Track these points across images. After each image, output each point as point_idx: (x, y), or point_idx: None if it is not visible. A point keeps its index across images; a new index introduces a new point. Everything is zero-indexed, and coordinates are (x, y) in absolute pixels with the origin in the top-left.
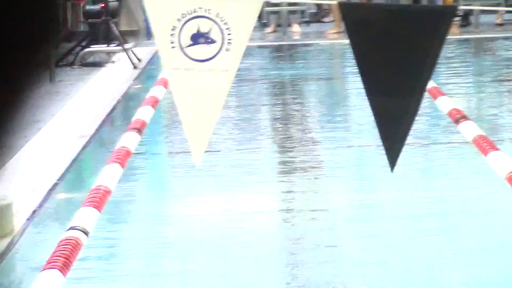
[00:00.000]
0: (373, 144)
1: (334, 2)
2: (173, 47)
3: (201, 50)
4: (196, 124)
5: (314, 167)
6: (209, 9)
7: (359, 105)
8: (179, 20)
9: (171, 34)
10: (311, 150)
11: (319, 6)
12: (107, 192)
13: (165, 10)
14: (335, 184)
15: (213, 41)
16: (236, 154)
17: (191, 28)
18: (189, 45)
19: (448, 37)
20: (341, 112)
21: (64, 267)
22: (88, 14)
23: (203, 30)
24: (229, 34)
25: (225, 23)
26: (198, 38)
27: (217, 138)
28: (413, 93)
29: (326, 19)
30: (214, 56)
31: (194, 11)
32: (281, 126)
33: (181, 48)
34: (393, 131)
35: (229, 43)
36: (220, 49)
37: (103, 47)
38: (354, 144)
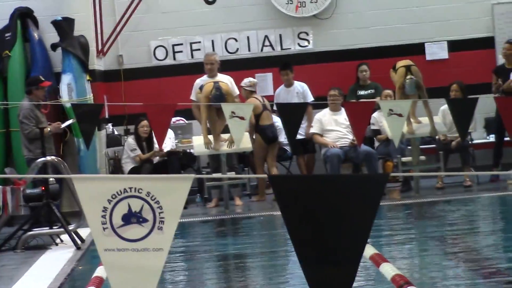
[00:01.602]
0: None
1: (264, 176)
2: (105, 228)
3: (133, 230)
4: None
5: None
6: (139, 189)
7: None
8: (109, 201)
9: (102, 216)
10: None
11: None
12: None
13: (96, 192)
14: None
15: (145, 220)
16: None
17: (123, 208)
18: (121, 226)
19: (389, 202)
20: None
21: None
22: (29, 198)
23: (134, 209)
24: (161, 213)
25: (156, 202)
26: (130, 217)
27: None
28: (349, 261)
29: (268, 191)
30: (146, 235)
31: (125, 191)
32: None
33: (113, 229)
34: None
35: (161, 221)
36: (153, 228)
37: (45, 230)
38: None
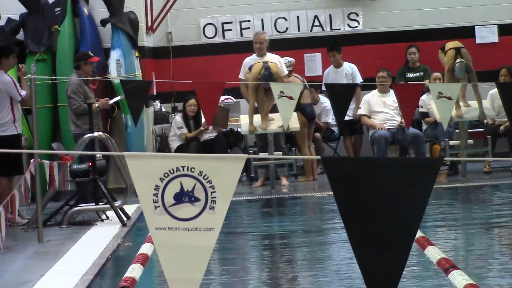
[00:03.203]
0: None
1: (318, 158)
2: (156, 207)
3: (185, 209)
4: (181, 282)
5: None
6: (192, 168)
7: (348, 259)
8: (162, 179)
9: (154, 194)
10: None
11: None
12: None
13: (148, 170)
14: None
15: (197, 200)
16: None
17: (175, 187)
18: (173, 204)
19: (436, 186)
20: (330, 268)
21: None
22: (75, 173)
23: (187, 188)
24: (213, 192)
25: (208, 181)
26: (182, 196)
27: None
28: (400, 246)
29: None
30: (198, 215)
31: (177, 170)
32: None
33: (165, 208)
34: (381, 286)
35: (213, 201)
36: (204, 207)
37: (91, 206)
38: None
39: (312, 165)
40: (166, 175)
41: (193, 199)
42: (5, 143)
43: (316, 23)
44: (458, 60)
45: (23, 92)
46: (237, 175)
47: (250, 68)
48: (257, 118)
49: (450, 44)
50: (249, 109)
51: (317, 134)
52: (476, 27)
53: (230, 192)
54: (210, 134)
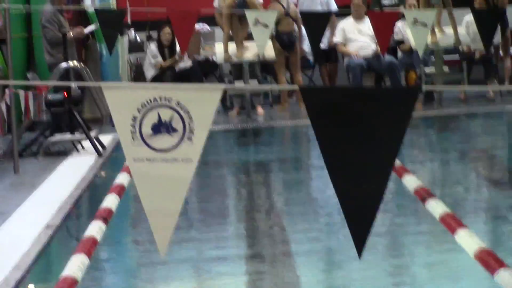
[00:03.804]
0: (341, 227)
1: (296, 88)
2: (134, 138)
3: (163, 140)
4: (160, 214)
5: (283, 255)
6: (169, 98)
7: (325, 188)
8: (139, 110)
9: (132, 125)
10: (278, 237)
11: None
12: (74, 282)
13: (125, 101)
14: (304, 270)
15: (174, 130)
16: (203, 243)
17: (152, 118)
18: (151, 135)
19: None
20: (307, 197)
21: None
22: (51, 103)
23: (164, 119)
24: (190, 123)
25: (186, 112)
26: (159, 127)
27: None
28: (378, 176)
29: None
30: (176, 146)
31: (155, 100)
32: (247, 212)
33: (142, 139)
34: (359, 216)
35: (191, 131)
36: (182, 138)
37: (66, 136)
38: (323, 230)
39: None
40: (143, 105)
41: (170, 129)
42: None
43: None
44: None
45: None
46: (214, 105)
47: None
48: (232, 46)
49: None
50: (223, 37)
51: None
52: None
53: (208, 122)
54: (185, 64)
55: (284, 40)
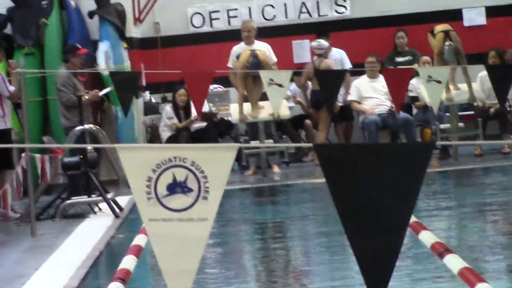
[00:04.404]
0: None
1: (310, 145)
2: (149, 198)
3: (178, 200)
4: (176, 273)
5: None
6: (184, 158)
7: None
8: (154, 170)
9: (147, 185)
10: None
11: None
12: None
13: (140, 161)
14: None
15: (190, 190)
16: None
17: (167, 178)
18: (166, 195)
19: (428, 169)
20: (325, 255)
21: None
22: (67, 166)
23: (179, 179)
24: (205, 182)
25: (201, 171)
26: (175, 187)
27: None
28: (394, 231)
29: (305, 159)
30: (191, 205)
31: (169, 161)
32: (265, 269)
33: (158, 199)
34: (376, 272)
35: (206, 191)
36: (197, 197)
37: (83, 199)
38: (340, 283)
39: None
40: (158, 166)
41: (186, 189)
42: None
43: (304, 9)
44: (447, 43)
45: (12, 88)
46: (229, 164)
47: (238, 57)
48: (247, 106)
49: (439, 27)
50: (238, 97)
51: (308, 121)
52: (463, 10)
53: (223, 181)
54: (200, 124)
55: (315, 98)
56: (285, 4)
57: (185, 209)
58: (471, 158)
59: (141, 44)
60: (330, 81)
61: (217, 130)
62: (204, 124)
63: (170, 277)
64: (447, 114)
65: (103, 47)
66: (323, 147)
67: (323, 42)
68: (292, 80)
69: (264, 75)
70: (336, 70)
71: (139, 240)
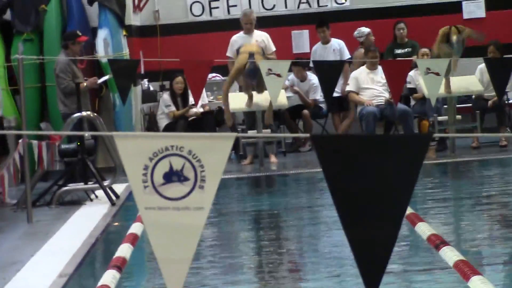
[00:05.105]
0: (353, 274)
1: (307, 135)
2: (145, 187)
3: (175, 189)
4: (171, 262)
5: None
6: (181, 147)
7: (339, 235)
8: (151, 159)
9: (143, 174)
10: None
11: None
12: None
13: (137, 150)
14: None
15: (186, 179)
16: None
17: (164, 166)
18: (162, 184)
19: (424, 161)
20: (320, 244)
21: None
22: (64, 153)
23: (176, 168)
24: (202, 171)
25: (197, 160)
26: (171, 176)
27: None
28: (390, 222)
29: (302, 149)
30: (187, 194)
31: (166, 149)
32: (261, 259)
33: (154, 187)
34: (371, 263)
35: (202, 180)
36: (194, 186)
37: (80, 186)
38: (335, 273)
39: None
40: (155, 154)
41: (182, 178)
42: None
43: (303, 0)
44: (455, 37)
45: None
46: (226, 153)
47: (238, 50)
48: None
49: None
50: (224, 107)
51: (305, 111)
52: (463, 2)
53: (219, 170)
54: (197, 110)
55: None
56: None
57: (181, 198)
58: (468, 151)
59: (140, 32)
60: (329, 71)
61: (215, 119)
62: (201, 110)
63: (165, 265)
64: (445, 106)
65: (102, 35)
66: (320, 137)
67: (363, 29)
68: (290, 70)
69: (262, 65)
70: (335, 61)
71: (135, 228)
